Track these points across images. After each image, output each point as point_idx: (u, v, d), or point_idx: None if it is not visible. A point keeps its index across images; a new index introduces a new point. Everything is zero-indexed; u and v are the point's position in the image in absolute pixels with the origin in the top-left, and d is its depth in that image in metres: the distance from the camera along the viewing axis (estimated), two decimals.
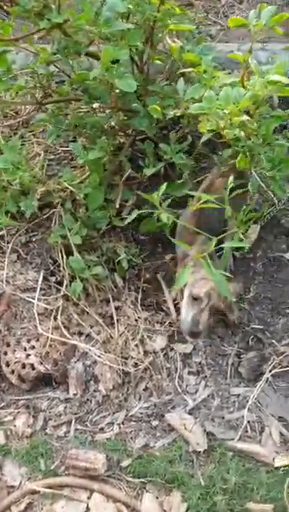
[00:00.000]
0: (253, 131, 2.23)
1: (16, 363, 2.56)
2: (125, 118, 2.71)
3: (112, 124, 2.70)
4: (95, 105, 2.39)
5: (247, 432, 2.42)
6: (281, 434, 2.41)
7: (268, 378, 2.54)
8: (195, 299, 2.30)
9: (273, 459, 2.34)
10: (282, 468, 2.32)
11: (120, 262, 2.71)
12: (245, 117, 2.04)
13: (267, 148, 2.32)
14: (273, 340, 2.67)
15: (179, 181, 2.69)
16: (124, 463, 2.37)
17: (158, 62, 2.75)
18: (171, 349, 2.67)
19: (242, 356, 2.63)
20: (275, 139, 2.36)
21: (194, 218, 2.39)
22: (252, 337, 2.69)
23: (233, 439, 2.40)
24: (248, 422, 2.44)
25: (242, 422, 2.44)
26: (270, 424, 2.43)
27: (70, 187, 2.63)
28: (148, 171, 2.61)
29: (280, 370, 2.58)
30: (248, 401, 2.49)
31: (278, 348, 2.64)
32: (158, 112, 2.39)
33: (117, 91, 2.37)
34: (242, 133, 2.15)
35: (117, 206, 2.64)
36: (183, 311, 2.38)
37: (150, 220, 2.68)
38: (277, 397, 2.51)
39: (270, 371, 2.56)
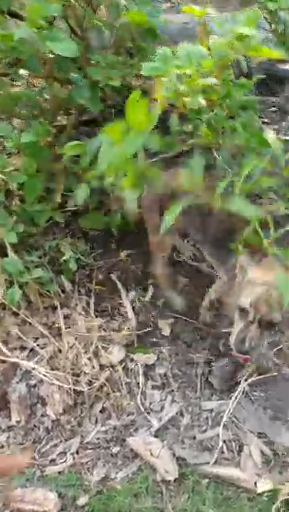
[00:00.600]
0: (218, 101, 1.88)
1: None
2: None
3: (47, 96, 2.28)
4: (22, 71, 1.97)
5: (223, 453, 2.07)
6: (262, 453, 2.07)
7: (244, 388, 2.20)
8: (242, 309, 1.86)
9: (255, 483, 2.00)
10: (265, 494, 1.98)
11: (66, 262, 2.32)
12: (213, 80, 1.67)
13: (232, 122, 1.97)
14: None
15: None
16: (81, 501, 1.99)
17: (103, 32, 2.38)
18: (131, 360, 2.30)
19: (212, 364, 2.28)
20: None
21: None
22: (223, 341, 2.34)
23: (207, 463, 2.05)
24: (224, 441, 2.09)
25: (217, 442, 2.09)
26: (249, 443, 2.09)
27: (1, 175, 2.21)
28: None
29: (258, 378, 2.23)
30: (222, 416, 2.14)
31: None
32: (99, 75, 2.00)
33: (51, 56, 1.97)
34: (203, 102, 1.80)
35: (59, 197, 2.25)
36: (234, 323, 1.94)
37: (95, 213, 2.29)
38: (255, 409, 2.16)
39: (245, 380, 2.22)
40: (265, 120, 2.95)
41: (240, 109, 2.04)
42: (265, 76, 2.38)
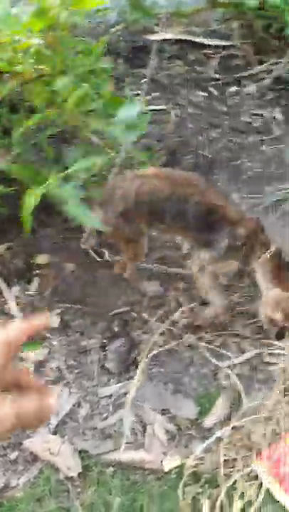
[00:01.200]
0: (58, 68, 1.76)
1: None
2: None
3: None
4: None
5: (126, 437, 1.98)
6: (167, 430, 1.99)
7: (137, 365, 2.11)
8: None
9: (161, 462, 1.92)
10: (173, 471, 1.90)
11: None
12: (35, 41, 1.55)
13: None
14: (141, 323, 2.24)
15: None
16: None
17: None
18: (20, 359, 2.15)
19: (107, 348, 2.17)
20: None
21: None
22: (115, 321, 2.25)
23: (111, 451, 1.94)
24: (126, 424, 1.99)
25: (119, 428, 1.99)
26: (152, 421, 2.01)
27: None
28: None
29: (155, 352, 2.15)
30: (122, 400, 2.04)
31: (149, 326, 2.22)
32: None
33: None
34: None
35: None
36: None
37: None
38: (154, 386, 2.09)
39: (141, 356, 2.13)
40: (138, 92, 2.88)
41: (91, 76, 1.93)
42: (123, 43, 2.30)
